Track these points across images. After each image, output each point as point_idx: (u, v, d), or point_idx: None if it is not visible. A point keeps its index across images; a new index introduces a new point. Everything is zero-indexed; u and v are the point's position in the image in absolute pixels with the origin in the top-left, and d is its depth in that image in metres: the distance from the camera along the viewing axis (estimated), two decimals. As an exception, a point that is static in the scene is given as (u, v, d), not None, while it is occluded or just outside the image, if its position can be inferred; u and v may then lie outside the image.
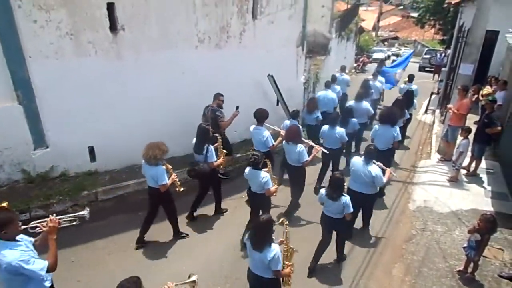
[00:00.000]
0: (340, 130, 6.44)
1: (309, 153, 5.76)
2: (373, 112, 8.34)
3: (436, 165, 7.77)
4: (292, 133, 5.70)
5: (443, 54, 19.43)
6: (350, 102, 8.07)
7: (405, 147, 9.13)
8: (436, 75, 18.60)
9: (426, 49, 26.44)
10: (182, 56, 6.59)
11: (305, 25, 8.96)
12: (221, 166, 5.91)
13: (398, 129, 6.32)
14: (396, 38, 42.43)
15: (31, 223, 3.17)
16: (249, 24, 7.53)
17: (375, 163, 5.10)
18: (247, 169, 4.90)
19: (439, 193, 6.61)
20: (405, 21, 47.39)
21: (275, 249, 3.45)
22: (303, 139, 5.85)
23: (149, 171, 4.69)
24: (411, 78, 10.00)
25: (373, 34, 33.61)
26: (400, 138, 6.41)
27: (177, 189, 4.91)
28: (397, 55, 24.78)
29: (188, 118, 6.49)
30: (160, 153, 4.57)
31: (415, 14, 33.83)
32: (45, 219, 3.18)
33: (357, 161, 5.17)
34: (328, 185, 4.55)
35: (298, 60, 9.05)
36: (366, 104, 7.89)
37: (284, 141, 5.86)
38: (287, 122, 6.70)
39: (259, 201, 5.01)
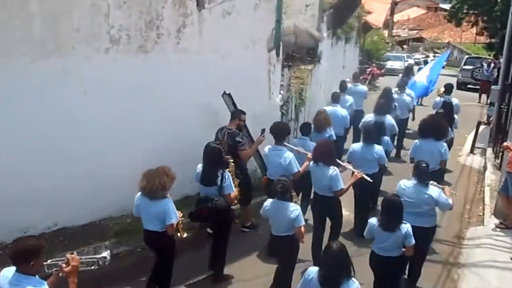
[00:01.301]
0: (378, 149, 7.48)
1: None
2: (397, 130, 9.85)
3: (493, 235, 7.87)
4: (323, 150, 6.44)
5: (492, 65, 20.43)
6: (369, 116, 9.43)
7: (447, 183, 9.66)
8: (484, 96, 19.47)
9: (467, 57, 27.53)
10: (83, 65, 6.57)
11: (280, 18, 9.24)
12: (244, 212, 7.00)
13: (445, 145, 7.60)
14: (420, 39, 44.96)
15: (49, 260, 3.85)
16: (192, 17, 7.69)
17: (431, 184, 5.98)
18: (269, 202, 5.56)
19: (501, 280, 6.61)
20: (432, 15, 50.77)
21: (355, 283, 4.09)
22: (338, 161, 6.72)
23: (153, 208, 5.27)
24: (448, 88, 11.53)
25: (385, 33, 35.42)
26: (448, 157, 7.70)
27: (179, 234, 5.51)
28: (425, 63, 25.87)
29: (93, 159, 6.47)
30: (169, 181, 5.24)
31: (446, 6, 36.36)
32: (63, 258, 3.87)
33: (407, 185, 6.00)
34: (382, 212, 5.29)
35: (271, 70, 9.31)
36: (390, 119, 9.33)
37: (311, 162, 6.62)
38: (295, 141, 7.72)
39: (285, 248, 5.48)
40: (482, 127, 13.23)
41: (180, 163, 6.47)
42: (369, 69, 23.19)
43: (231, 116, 7.45)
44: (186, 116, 7.54)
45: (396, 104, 10.99)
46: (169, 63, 7.44)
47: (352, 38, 20.63)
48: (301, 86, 11.36)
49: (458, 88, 22.24)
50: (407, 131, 12.23)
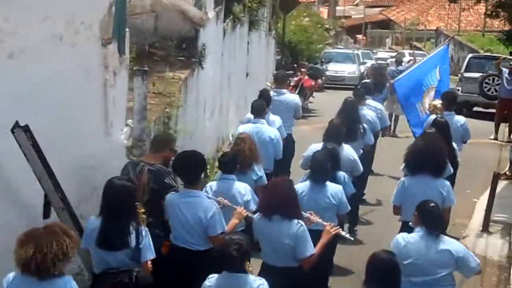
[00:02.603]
0: (336, 190, 8.03)
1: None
2: (361, 169, 10.32)
3: None
4: (281, 195, 6.79)
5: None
6: (315, 146, 9.51)
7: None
8: (505, 127, 20.16)
9: (470, 56, 28.04)
10: None
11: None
12: None
13: (448, 184, 7.91)
14: (386, 23, 47.09)
15: None
16: None
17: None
18: (213, 280, 5.66)
19: None
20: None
21: None
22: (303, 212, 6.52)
23: None
24: (449, 99, 12.32)
25: (324, 12, 36.81)
26: (454, 202, 8.13)
27: None
28: (398, 65, 21.78)
29: None
30: (73, 247, 5.30)
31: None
32: None
33: (409, 239, 6.36)
34: (368, 279, 5.60)
35: (109, 81, 8.51)
36: (349, 151, 9.76)
37: (258, 215, 6.84)
38: (212, 185, 7.94)
39: None
40: (502, 183, 13.51)
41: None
42: (295, 78, 21.69)
43: (154, 144, 7.43)
44: None
45: (366, 126, 11.21)
46: None
47: (263, 22, 19.26)
48: (167, 109, 10.49)
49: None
50: (372, 173, 12.40)
